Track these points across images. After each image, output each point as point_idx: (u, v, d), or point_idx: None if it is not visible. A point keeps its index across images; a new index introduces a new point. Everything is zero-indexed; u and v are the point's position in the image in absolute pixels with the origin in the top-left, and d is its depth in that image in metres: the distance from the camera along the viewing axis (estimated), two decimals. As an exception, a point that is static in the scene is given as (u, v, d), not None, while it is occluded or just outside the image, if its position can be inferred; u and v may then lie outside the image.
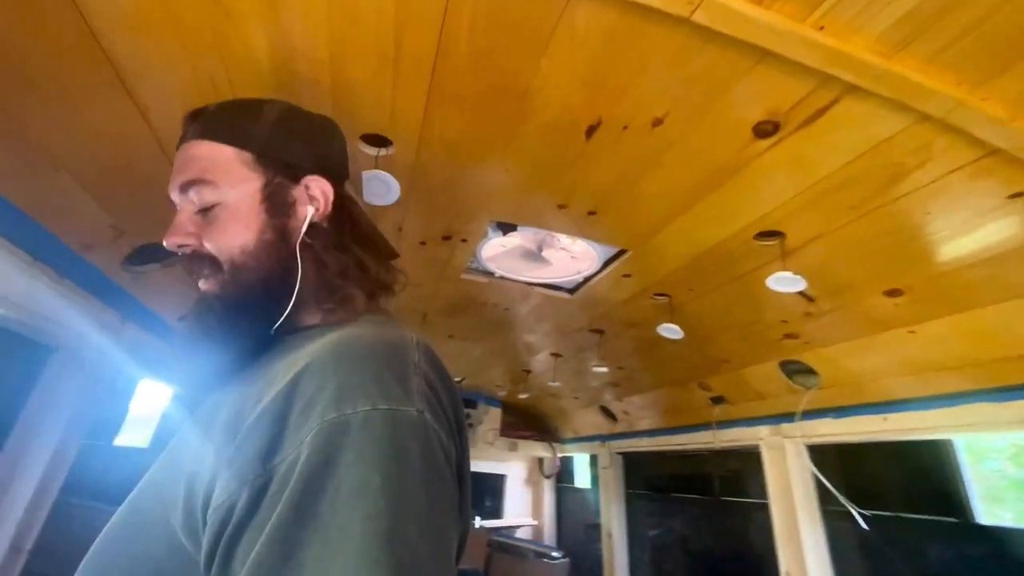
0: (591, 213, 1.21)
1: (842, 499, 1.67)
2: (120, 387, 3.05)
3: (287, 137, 0.66)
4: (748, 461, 2.30)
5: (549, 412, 3.72)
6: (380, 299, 0.72)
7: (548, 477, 3.96)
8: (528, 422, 4.02)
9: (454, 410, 0.53)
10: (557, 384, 2.70)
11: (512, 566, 3.32)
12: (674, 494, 2.89)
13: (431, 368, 0.52)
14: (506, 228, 1.39)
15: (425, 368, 0.51)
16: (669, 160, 0.99)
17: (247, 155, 0.63)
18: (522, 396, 3.56)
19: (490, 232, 1.42)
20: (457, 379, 3.37)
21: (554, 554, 3.48)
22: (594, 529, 3.41)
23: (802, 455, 1.84)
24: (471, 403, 3.72)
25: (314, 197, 0.65)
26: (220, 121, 0.65)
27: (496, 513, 4.08)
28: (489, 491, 4.16)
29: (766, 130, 0.88)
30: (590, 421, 3.28)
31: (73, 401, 1.64)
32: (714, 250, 1.30)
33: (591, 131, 0.93)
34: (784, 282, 1.20)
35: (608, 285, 1.62)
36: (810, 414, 1.77)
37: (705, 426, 2.27)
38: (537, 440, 3.86)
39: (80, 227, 1.28)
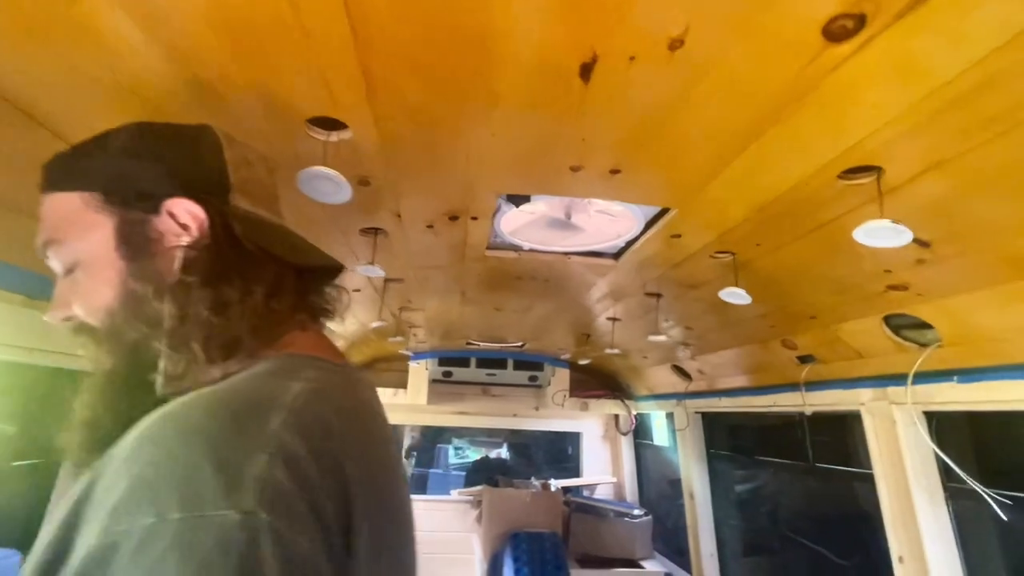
0: (614, 172, 0.96)
1: (971, 482, 1.35)
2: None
3: (137, 162, 0.52)
4: (848, 426, 1.99)
5: (620, 370, 3.53)
6: (301, 330, 0.61)
7: (625, 434, 3.82)
8: (599, 380, 3.86)
9: (359, 469, 0.45)
10: (616, 351, 2.49)
11: (593, 526, 3.27)
12: (760, 457, 2.64)
13: (304, 433, 0.40)
14: (519, 200, 1.18)
15: (287, 438, 0.39)
16: (703, 93, 0.72)
17: (93, 197, 0.51)
18: (583, 361, 3.39)
19: (503, 206, 1.22)
20: (517, 343, 3.26)
21: (636, 512, 3.39)
22: (677, 484, 3.25)
23: (917, 424, 1.52)
24: (537, 365, 3.61)
25: (184, 224, 0.50)
26: (62, 166, 0.54)
27: (575, 472, 4.04)
28: (566, 450, 4.11)
29: (845, 28, 0.59)
30: (664, 379, 3.06)
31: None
32: (785, 197, 1.00)
33: (586, 71, 0.68)
34: (880, 234, 0.89)
35: (656, 248, 1.36)
36: (927, 377, 1.44)
37: (792, 387, 1.97)
38: (609, 398, 3.70)
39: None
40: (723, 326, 2.00)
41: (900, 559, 1.54)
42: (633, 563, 3.22)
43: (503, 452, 6.59)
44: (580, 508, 3.36)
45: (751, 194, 1.02)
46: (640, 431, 3.84)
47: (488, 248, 1.46)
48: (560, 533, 3.13)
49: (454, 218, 1.19)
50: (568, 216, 1.31)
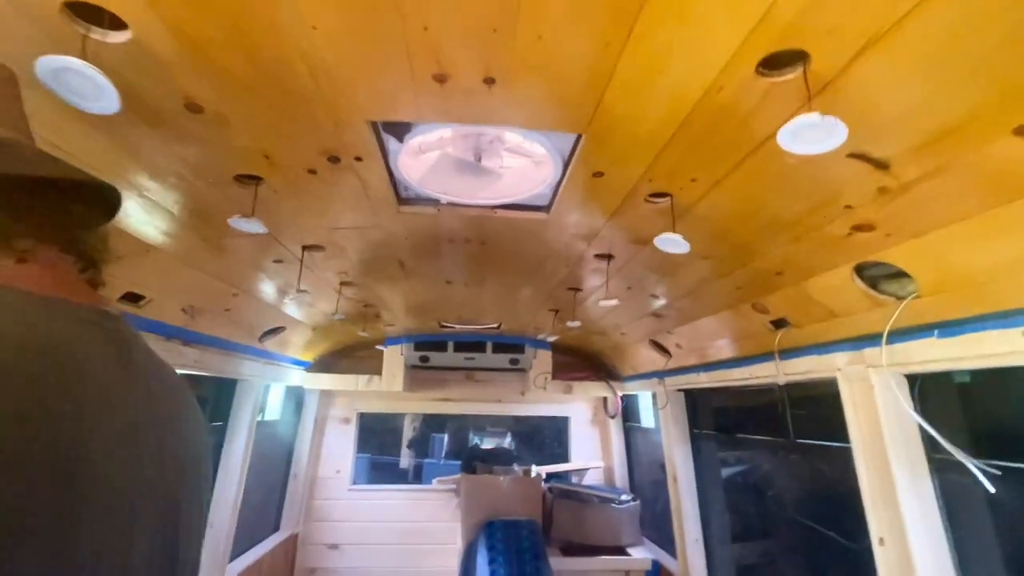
0: (489, 82, 0.79)
1: (956, 452, 1.17)
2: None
3: None
4: (826, 396, 1.81)
5: (603, 350, 3.36)
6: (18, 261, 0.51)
7: (612, 417, 3.65)
8: (583, 361, 3.70)
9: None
10: (576, 323, 2.33)
11: (576, 513, 3.13)
12: (741, 435, 2.46)
13: None
14: (400, 131, 1.01)
15: None
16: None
17: None
18: (551, 339, 3.22)
19: (390, 144, 1.05)
20: (492, 325, 3.11)
21: (623, 497, 3.23)
22: (661, 466, 3.09)
23: (895, 388, 1.34)
24: (517, 347, 3.46)
25: None
26: None
27: (563, 457, 3.89)
28: (553, 435, 3.96)
29: None
30: (646, 357, 2.89)
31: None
32: (702, 107, 0.83)
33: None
34: (808, 135, 0.71)
35: (582, 193, 1.19)
36: (904, 334, 1.25)
37: (768, 356, 1.79)
38: (594, 380, 3.53)
39: None
40: (688, 292, 1.82)
41: (880, 541, 1.36)
42: (619, 550, 3.07)
43: (507, 441, 6.48)
44: (563, 494, 3.21)
45: (659, 105, 0.84)
46: (629, 414, 3.67)
47: (401, 203, 1.30)
48: (539, 520, 2.99)
49: (334, 159, 1.03)
50: (478, 158, 1.15)
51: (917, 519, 1.29)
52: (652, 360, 2.80)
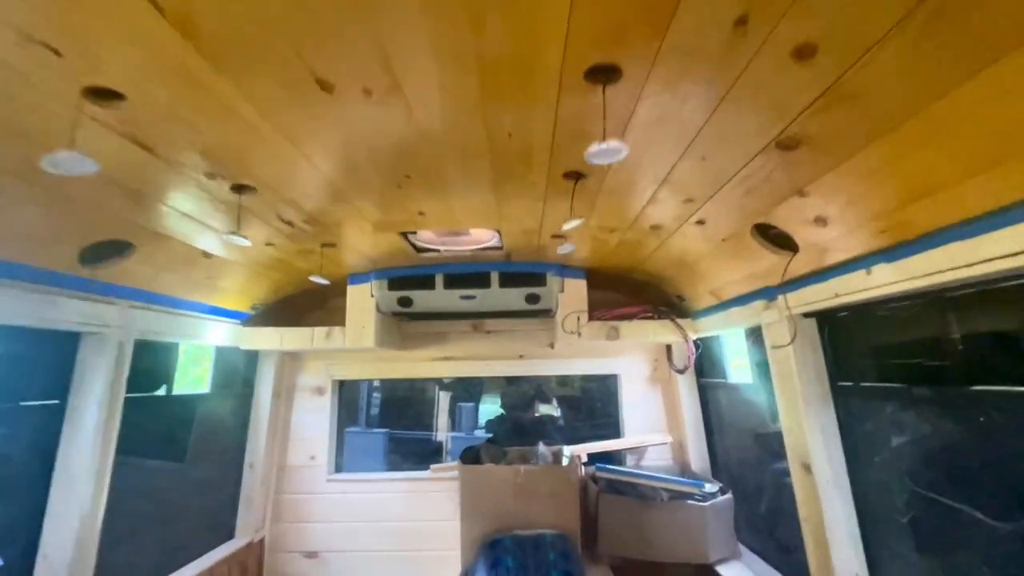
0: None
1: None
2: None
3: None
4: None
5: (662, 269, 2.21)
6: None
7: (682, 372, 2.52)
8: (633, 292, 2.57)
9: None
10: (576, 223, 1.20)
11: (635, 515, 2.06)
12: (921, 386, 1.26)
13: None
14: None
15: None
16: None
17: None
18: (565, 253, 2.09)
19: None
20: (489, 239, 2.03)
21: (706, 488, 2.13)
22: (770, 440, 1.96)
23: None
24: (534, 277, 2.37)
25: None
26: None
27: (613, 431, 2.81)
28: (597, 402, 2.91)
29: None
30: (738, 270, 1.73)
31: None
32: None
33: None
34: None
35: None
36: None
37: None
38: (651, 318, 2.40)
39: None
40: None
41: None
42: (706, 570, 2.00)
43: (552, 408, 5.44)
44: (613, 487, 2.15)
45: None
46: (705, 365, 2.53)
47: None
48: (575, 529, 1.95)
49: None
50: None
51: None
52: (754, 270, 1.64)
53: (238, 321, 2.38)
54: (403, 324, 2.84)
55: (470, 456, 2.24)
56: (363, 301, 2.41)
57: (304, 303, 2.73)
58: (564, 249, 1.97)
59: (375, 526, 2.68)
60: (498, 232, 1.92)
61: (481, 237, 2.05)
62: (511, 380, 4.31)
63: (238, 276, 2.07)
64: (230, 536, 2.54)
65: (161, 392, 2.08)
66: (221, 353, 2.48)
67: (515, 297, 2.43)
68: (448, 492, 2.60)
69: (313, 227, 1.68)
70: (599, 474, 2.25)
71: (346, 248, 2.01)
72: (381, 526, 2.68)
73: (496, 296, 2.41)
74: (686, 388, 2.58)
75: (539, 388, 4.73)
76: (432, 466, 2.67)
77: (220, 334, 2.24)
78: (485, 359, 2.86)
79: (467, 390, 5.54)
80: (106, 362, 1.64)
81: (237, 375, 2.59)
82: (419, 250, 2.15)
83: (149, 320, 1.80)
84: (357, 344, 2.38)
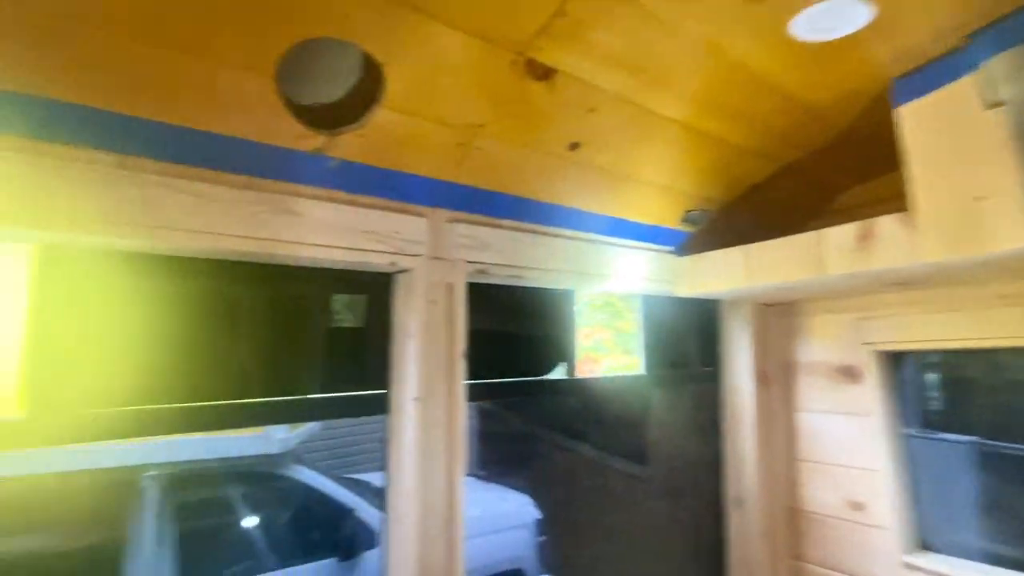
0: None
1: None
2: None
3: None
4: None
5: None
6: None
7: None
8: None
9: None
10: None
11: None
12: None
13: None
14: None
15: None
16: None
17: None
18: None
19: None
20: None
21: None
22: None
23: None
24: None
25: None
26: None
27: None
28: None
29: None
30: None
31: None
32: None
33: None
34: None
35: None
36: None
37: None
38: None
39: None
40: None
41: None
42: None
43: None
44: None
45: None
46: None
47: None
48: None
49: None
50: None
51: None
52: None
53: (667, 248, 1.31)
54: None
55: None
56: (953, 128, 0.86)
57: (782, 205, 1.40)
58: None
59: None
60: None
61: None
62: None
63: (660, 144, 1.00)
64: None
65: (557, 374, 1.24)
66: (652, 308, 1.47)
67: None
68: None
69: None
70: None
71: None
72: None
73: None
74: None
75: None
76: None
77: (635, 270, 1.23)
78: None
79: None
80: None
81: (686, 345, 1.53)
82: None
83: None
84: (952, 244, 0.85)
